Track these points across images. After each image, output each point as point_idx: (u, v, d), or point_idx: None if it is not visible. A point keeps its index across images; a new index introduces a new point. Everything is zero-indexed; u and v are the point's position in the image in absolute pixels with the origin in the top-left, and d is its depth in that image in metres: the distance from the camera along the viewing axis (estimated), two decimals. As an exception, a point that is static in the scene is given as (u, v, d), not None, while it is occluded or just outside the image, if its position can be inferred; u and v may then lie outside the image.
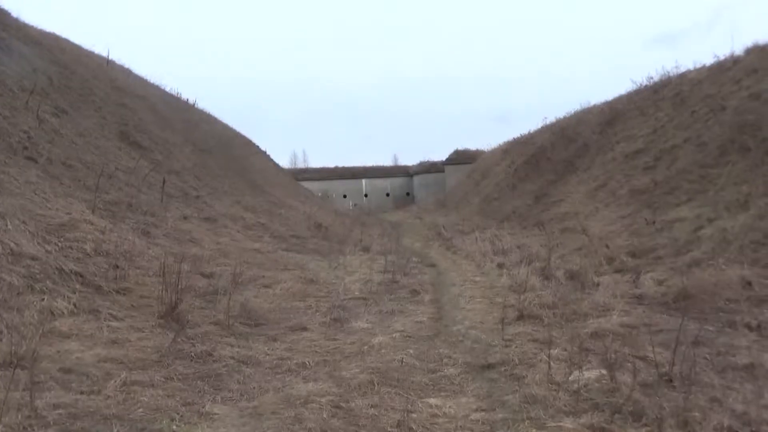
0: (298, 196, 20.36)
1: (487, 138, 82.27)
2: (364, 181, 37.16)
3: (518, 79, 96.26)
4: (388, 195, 37.03)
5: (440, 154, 57.08)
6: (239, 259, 7.54)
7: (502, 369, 4.12)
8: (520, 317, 5.58)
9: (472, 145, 46.88)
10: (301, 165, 46.80)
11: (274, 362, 4.28)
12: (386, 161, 59.18)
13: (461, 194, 25.08)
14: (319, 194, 32.41)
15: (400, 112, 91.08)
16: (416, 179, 36.50)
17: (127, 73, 18.38)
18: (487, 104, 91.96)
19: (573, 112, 20.55)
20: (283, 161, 41.49)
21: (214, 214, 10.51)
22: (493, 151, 27.45)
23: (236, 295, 5.82)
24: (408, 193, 36.99)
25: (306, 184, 30.68)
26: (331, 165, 39.02)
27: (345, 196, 36.12)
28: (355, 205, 34.01)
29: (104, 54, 17.34)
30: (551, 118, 22.16)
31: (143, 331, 4.55)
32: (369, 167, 38.34)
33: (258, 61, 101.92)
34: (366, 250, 11.38)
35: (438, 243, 13.98)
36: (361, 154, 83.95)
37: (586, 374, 3.67)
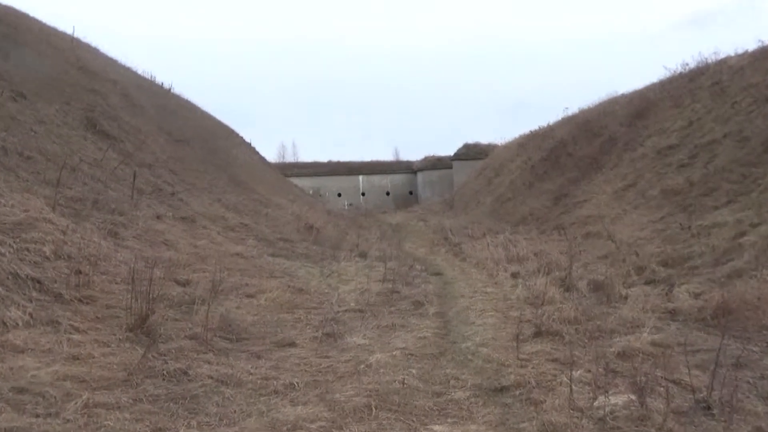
0: (286, 194, 20.33)
1: (500, 130, 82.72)
2: (361, 177, 37.03)
3: (534, 63, 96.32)
4: (388, 194, 36.99)
5: (447, 149, 57.14)
6: (219, 264, 7.52)
7: (517, 392, 4.10)
8: (538, 334, 5.58)
9: (484, 138, 46.96)
10: (290, 159, 46.78)
11: (258, 382, 4.27)
12: (386, 156, 59.35)
13: (471, 193, 25.18)
14: (311, 192, 32.33)
15: (403, 102, 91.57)
16: (420, 176, 36.47)
17: (95, 53, 18.42)
18: (500, 92, 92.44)
19: (598, 102, 20.65)
20: (270, 155, 41.54)
21: (191, 213, 10.52)
22: (508, 146, 27.50)
23: (215, 306, 5.81)
24: (411, 192, 36.98)
25: (295, 181, 30.66)
26: (324, 159, 39.06)
27: (339, 195, 36.11)
28: (351, 204, 34.01)
29: (69, 32, 17.36)
30: (573, 109, 22.26)
31: (109, 346, 4.53)
32: (367, 162, 38.25)
33: (241, 43, 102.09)
34: (363, 255, 11.48)
35: (445, 249, 14.02)
36: (358, 147, 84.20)
37: (613, 399, 3.66)
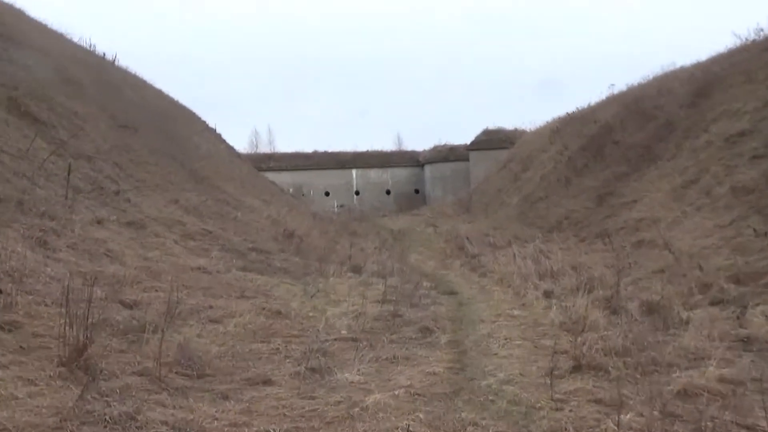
0: (260, 193, 20.42)
1: (525, 113, 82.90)
2: (354, 172, 37.02)
3: (565, 30, 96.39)
4: (388, 192, 37.05)
5: (462, 136, 57.53)
6: (176, 281, 7.57)
7: (552, 443, 4.12)
8: (577, 368, 5.61)
9: (508, 122, 46.91)
10: (265, 149, 46.82)
11: (225, 430, 4.27)
12: (387, 145, 59.05)
13: (493, 192, 25.31)
14: (291, 191, 32.33)
15: (407, 80, 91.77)
16: (429, 170, 36.49)
17: (18, 16, 18.39)
18: (527, 65, 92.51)
19: (651, 77, 20.72)
20: (241, 144, 41.56)
21: (141, 217, 10.58)
22: (538, 132, 27.63)
23: (171, 334, 5.81)
24: (417, 190, 37.02)
25: (271, 176, 30.64)
26: (308, 149, 38.93)
27: (327, 194, 36.20)
28: (342, 206, 34.07)
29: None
30: (620, 86, 22.29)
31: (37, 384, 4.52)
32: (362, 153, 38.13)
33: (203, 6, 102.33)
34: (357, 270, 11.56)
35: (460, 261, 14.13)
36: (351, 134, 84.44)
37: (672, 451, 3.72)
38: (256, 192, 20.24)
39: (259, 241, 12.52)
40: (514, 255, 12.35)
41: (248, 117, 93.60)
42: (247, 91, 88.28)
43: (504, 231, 16.92)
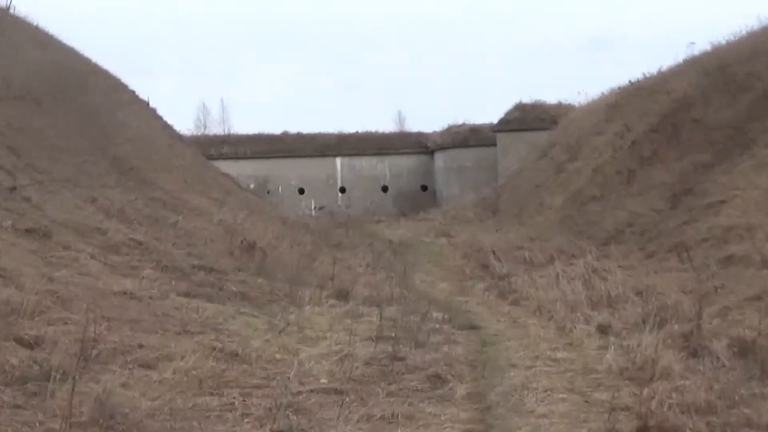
0: (210, 190, 20.34)
1: (576, 81, 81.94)
2: (339, 161, 36.71)
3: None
4: (385, 189, 36.87)
5: (488, 113, 56.88)
6: (94, 311, 7.51)
7: None
8: (643, 430, 5.59)
9: (549, 94, 46.72)
10: (216, 129, 46.70)
11: None
12: (384, 125, 58.85)
13: (528, 189, 25.17)
14: (252, 186, 32.17)
15: (411, 40, 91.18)
16: (441, 159, 36.22)
17: None
18: (574, 21, 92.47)
19: (742, 33, 20.65)
20: (183, 122, 41.38)
21: (44, 222, 10.50)
22: (590, 108, 27.44)
23: (87, 383, 5.76)
24: (425, 187, 36.86)
25: (226, 167, 30.01)
26: (276, 131, 38.58)
27: (302, 191, 36.06)
28: (322, 208, 33.91)
29: None
30: (702, 46, 22.14)
31: None
32: (350, 136, 37.70)
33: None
34: (342, 296, 11.60)
35: (483, 284, 14.15)
36: (336, 110, 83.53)
37: None
38: (204, 188, 20.17)
39: (208, 256, 12.49)
40: (558, 276, 12.41)
41: (194, 87, 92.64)
42: (193, 53, 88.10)
43: (544, 243, 16.78)
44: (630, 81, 25.06)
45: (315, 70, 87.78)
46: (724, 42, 21.11)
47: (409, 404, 6.56)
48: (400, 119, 54.46)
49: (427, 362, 7.79)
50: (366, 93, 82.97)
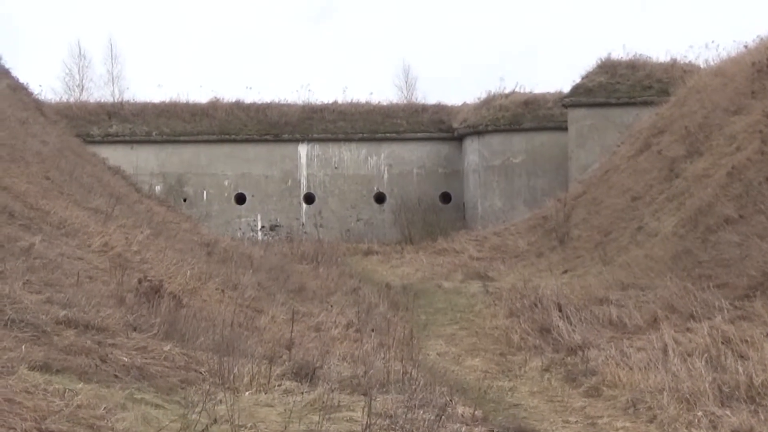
0: (87, 195, 17.92)
1: (698, 26, 64.62)
2: (304, 150, 30.99)
3: None
4: (381, 198, 31.66)
5: (549, 78, 49.96)
6: None
7: None
8: None
9: (653, 47, 39.65)
10: (101, 93, 38.35)
11: None
12: (380, 91, 49.63)
13: (619, 202, 21.69)
14: (158, 189, 27.60)
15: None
16: (474, 150, 30.45)
17: None
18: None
19: None
20: (48, 82, 35.74)
21: None
22: (724, 70, 22.91)
23: None
24: (447, 196, 31.48)
25: (115, 155, 25.99)
26: (200, 98, 32.05)
27: (242, 199, 31.00)
28: (275, 227, 30.01)
29: None
30: None
31: None
32: (322, 108, 31.74)
33: None
34: (306, 375, 10.04)
35: (542, 359, 12.51)
36: (302, 66, 66.35)
37: None
38: (78, 191, 17.89)
39: (83, 305, 10.72)
40: (665, 349, 11.18)
41: (69, 19, 71.40)
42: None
43: (643, 293, 14.39)
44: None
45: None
46: None
47: None
48: (408, 83, 44.74)
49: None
50: (346, 32, 68.60)
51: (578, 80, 27.11)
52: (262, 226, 29.24)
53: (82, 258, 13.04)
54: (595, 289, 15.56)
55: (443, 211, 30.22)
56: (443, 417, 8.37)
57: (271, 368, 9.69)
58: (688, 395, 9.37)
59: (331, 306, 15.62)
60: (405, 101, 35.95)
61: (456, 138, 30.91)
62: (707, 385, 9.47)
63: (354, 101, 31.92)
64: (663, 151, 20.83)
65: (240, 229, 28.14)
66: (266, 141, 30.66)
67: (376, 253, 25.23)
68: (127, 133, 30.08)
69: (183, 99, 31.50)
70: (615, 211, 20.78)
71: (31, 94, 23.25)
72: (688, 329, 11.97)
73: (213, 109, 31.32)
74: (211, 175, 30.22)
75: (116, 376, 8.53)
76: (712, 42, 26.99)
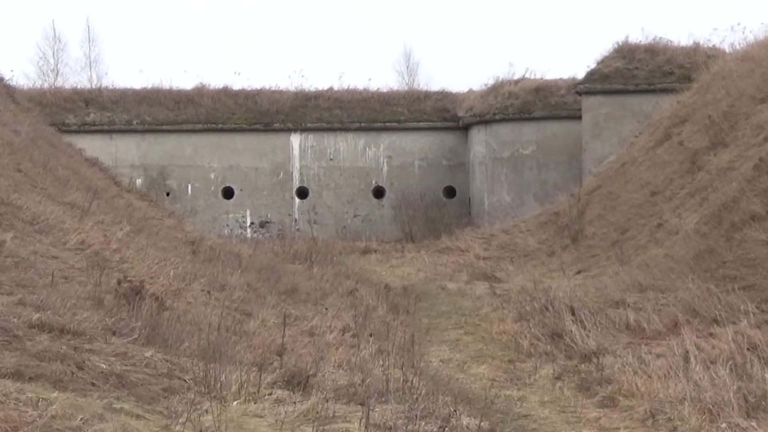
0: (62, 189, 17.71)
1: (721, 7, 65.64)
2: (297, 140, 29.95)
3: None
4: (379, 193, 31.20)
5: (561, 64, 49.31)
6: None
7: None
8: None
9: (674, 30, 38.45)
10: (77, 79, 37.84)
11: None
12: (379, 77, 50.26)
13: (637, 197, 21.28)
14: (139, 182, 27.12)
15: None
16: (481, 140, 30.05)
17: None
18: None
19: None
20: (20, 62, 36.03)
21: None
22: (752, 55, 22.52)
23: None
24: (451, 190, 31.07)
25: (92, 146, 25.38)
26: (185, 84, 31.64)
27: (230, 194, 30.43)
28: (265, 223, 29.52)
29: None
30: None
31: None
32: (317, 95, 31.25)
33: None
34: (299, 384, 9.89)
35: (553, 366, 12.20)
36: (295, 50, 67.19)
37: None
38: (52, 184, 17.53)
39: (58, 307, 10.55)
40: (687, 355, 10.98)
41: (37, 9, 65.60)
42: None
43: (663, 296, 14.12)
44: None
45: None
46: None
47: None
48: (409, 69, 44.71)
49: None
50: (349, 19, 69.14)
51: (593, 66, 26.68)
52: (252, 223, 28.76)
53: (57, 257, 12.88)
54: (611, 291, 15.40)
55: (447, 206, 29.69)
56: (447, 428, 8.36)
57: (261, 376, 9.57)
58: (710, 405, 9.20)
59: (326, 309, 15.45)
60: (406, 88, 35.83)
61: (461, 127, 30.32)
62: (732, 395, 9.28)
63: (351, 88, 31.46)
64: (685, 142, 20.57)
65: (227, 225, 27.67)
66: (256, 130, 29.96)
67: (374, 251, 24.91)
68: (105, 122, 29.44)
69: (166, 85, 31.13)
70: (632, 207, 20.42)
71: (2, 79, 22.95)
72: (711, 334, 11.85)
73: (198, 96, 30.76)
74: (197, 167, 29.62)
75: (94, 384, 8.45)
76: (738, 24, 26.47)
